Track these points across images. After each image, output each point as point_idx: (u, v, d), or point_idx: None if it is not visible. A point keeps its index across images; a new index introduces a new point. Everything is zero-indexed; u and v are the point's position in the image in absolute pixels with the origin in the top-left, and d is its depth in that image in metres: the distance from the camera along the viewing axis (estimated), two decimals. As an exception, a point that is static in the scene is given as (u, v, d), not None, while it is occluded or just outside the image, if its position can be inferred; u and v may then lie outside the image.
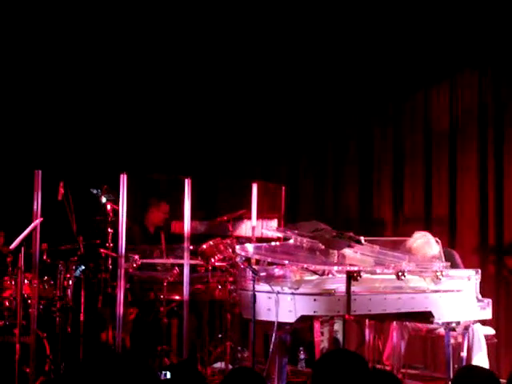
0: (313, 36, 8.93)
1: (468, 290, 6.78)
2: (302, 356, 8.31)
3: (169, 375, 4.06)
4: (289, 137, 9.34)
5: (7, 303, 7.14)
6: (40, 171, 6.55)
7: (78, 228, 7.35)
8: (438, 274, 6.65)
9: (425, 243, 7.32)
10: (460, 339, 6.98)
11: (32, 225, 6.42)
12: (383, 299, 6.47)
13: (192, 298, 7.42)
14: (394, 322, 7.28)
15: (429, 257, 7.19)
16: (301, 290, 6.27)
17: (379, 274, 6.62)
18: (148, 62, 9.24)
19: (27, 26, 8.61)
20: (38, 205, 6.53)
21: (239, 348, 7.94)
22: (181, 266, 7.43)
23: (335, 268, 6.78)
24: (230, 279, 7.59)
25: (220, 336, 8.02)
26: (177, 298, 7.66)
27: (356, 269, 6.36)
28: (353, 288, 6.29)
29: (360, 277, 6.32)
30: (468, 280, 6.82)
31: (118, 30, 8.97)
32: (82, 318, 7.36)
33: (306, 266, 6.75)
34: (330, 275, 6.92)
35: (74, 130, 8.98)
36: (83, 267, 7.50)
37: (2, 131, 8.57)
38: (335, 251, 6.86)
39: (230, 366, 7.59)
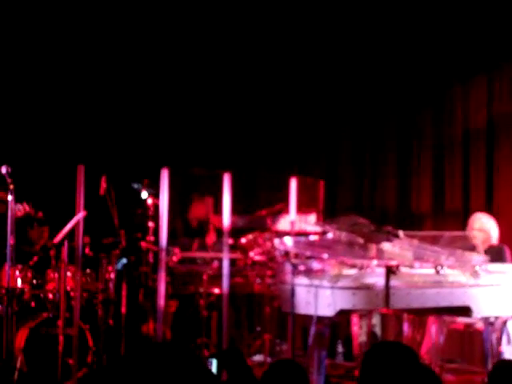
0: (355, 28, 8.96)
1: (507, 285, 6.77)
2: (340, 349, 8.34)
3: (215, 363, 4.09)
4: (327, 131, 9.36)
5: (51, 296, 7.26)
6: (83, 166, 6.63)
7: (119, 222, 7.45)
8: (477, 268, 6.65)
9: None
10: (497, 334, 6.96)
11: (75, 218, 6.52)
12: (422, 293, 6.48)
13: (231, 292, 7.48)
14: (433, 317, 7.28)
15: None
16: (340, 284, 6.30)
17: (418, 268, 6.63)
18: (189, 57, 9.29)
19: (58, 22, 8.71)
20: (80, 199, 6.62)
21: (277, 341, 7.98)
22: (220, 259, 7.50)
23: (374, 262, 6.80)
24: (269, 273, 7.63)
25: (258, 329, 8.08)
26: (216, 291, 7.73)
27: (395, 263, 6.39)
28: (391, 282, 6.31)
29: (399, 271, 6.34)
30: (507, 275, 6.81)
31: (152, 24, 9.05)
32: (123, 311, 7.47)
33: (344, 260, 6.80)
34: (369, 269, 6.94)
35: (117, 125, 9.07)
36: (125, 260, 7.60)
37: (47, 126, 8.69)
38: (374, 245, 6.88)
39: (269, 359, 7.64)
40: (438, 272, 6.41)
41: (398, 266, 6.32)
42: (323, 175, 8.88)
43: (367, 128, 9.24)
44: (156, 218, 7.36)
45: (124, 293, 7.47)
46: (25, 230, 6.60)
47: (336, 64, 9.19)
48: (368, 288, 6.34)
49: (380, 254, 6.85)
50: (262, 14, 9.08)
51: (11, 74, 8.54)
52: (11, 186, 5.53)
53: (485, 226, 7.59)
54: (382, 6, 8.81)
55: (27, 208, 6.24)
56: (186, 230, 8.39)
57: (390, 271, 6.30)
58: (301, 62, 9.23)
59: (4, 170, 5.64)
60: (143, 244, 7.62)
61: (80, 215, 6.55)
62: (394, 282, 6.33)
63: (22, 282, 7.23)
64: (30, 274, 7.28)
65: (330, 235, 6.88)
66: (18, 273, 7.15)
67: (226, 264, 7.28)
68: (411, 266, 6.67)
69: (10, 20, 8.47)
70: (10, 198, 5.53)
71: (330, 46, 9.14)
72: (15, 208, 5.93)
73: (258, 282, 7.78)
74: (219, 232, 7.82)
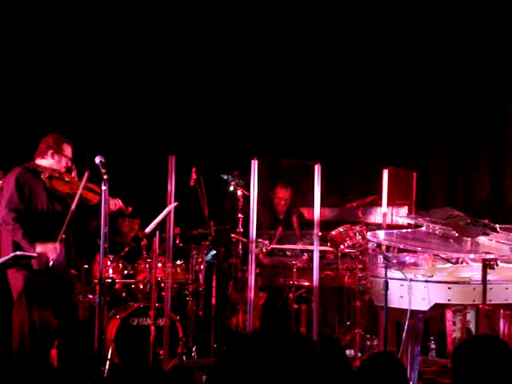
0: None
1: None
2: (433, 346, 8.15)
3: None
4: (419, 122, 9.16)
5: (141, 286, 7.30)
6: (174, 156, 6.62)
7: (209, 213, 7.43)
8: None
9: None
10: None
11: (167, 209, 6.51)
12: (520, 288, 6.27)
13: (321, 285, 7.38)
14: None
15: None
16: (435, 278, 6.15)
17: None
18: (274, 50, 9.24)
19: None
20: (171, 190, 6.61)
21: (368, 336, 7.84)
22: (310, 252, 7.41)
23: (470, 256, 6.62)
24: (360, 266, 7.51)
25: (348, 323, 7.95)
26: (306, 284, 7.65)
27: (492, 257, 6.19)
28: (488, 276, 6.13)
29: (496, 265, 6.15)
30: None
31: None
32: (213, 302, 7.46)
33: (439, 253, 6.63)
34: (464, 263, 6.76)
35: (208, 116, 9.07)
36: (214, 252, 7.59)
37: (139, 117, 8.75)
38: (469, 239, 6.70)
39: (359, 354, 7.52)
40: (537, 266, 6.19)
41: (495, 260, 6.12)
42: (414, 165, 8.69)
43: (460, 116, 9.00)
44: (245, 209, 7.31)
45: (214, 284, 7.47)
46: (116, 221, 6.62)
47: (427, 52, 8.99)
48: (464, 282, 6.15)
49: (476, 248, 6.67)
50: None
51: (104, 67, 8.61)
52: (105, 176, 5.54)
53: None
54: None
55: (120, 203, 6.26)
56: (271, 221, 8.33)
57: (488, 265, 6.10)
58: (393, 49, 9.06)
59: (98, 160, 5.65)
60: (232, 235, 7.57)
61: (171, 206, 6.54)
62: (490, 276, 6.13)
63: (114, 273, 7.29)
64: (121, 265, 7.34)
65: (423, 228, 6.73)
66: (109, 263, 7.21)
67: (316, 256, 7.18)
68: (509, 260, 6.46)
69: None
70: (103, 187, 5.54)
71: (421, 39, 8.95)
72: (109, 202, 5.96)
73: (348, 276, 7.66)
74: (309, 224, 7.73)
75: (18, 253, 5.77)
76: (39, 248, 5.91)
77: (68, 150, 6.25)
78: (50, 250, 5.93)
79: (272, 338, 2.14)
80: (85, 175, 5.96)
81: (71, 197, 6.06)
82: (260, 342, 2.14)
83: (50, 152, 6.20)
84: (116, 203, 6.24)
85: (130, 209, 6.41)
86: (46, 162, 6.21)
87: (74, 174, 6.26)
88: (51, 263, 5.91)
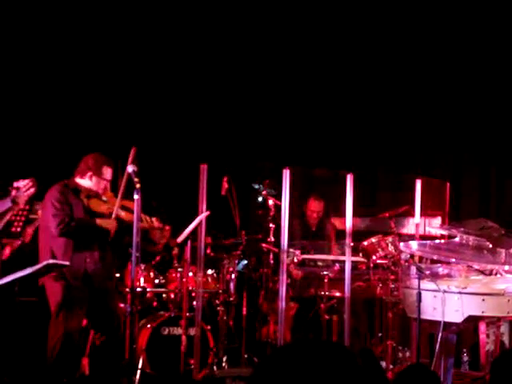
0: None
1: None
2: (466, 358, 8.04)
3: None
4: (452, 132, 9.09)
5: (172, 295, 7.28)
6: (206, 165, 6.61)
7: (240, 222, 7.41)
8: None
9: None
10: None
11: (198, 218, 6.50)
12: (556, 301, 6.17)
13: (352, 296, 7.32)
14: None
15: None
16: (469, 289, 6.08)
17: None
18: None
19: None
20: (203, 199, 6.60)
21: (400, 347, 7.76)
22: (342, 262, 7.35)
23: (505, 267, 6.53)
24: (392, 277, 7.44)
25: (380, 335, 7.88)
26: (337, 294, 7.59)
27: (527, 268, 6.12)
28: (523, 288, 6.06)
29: (531, 277, 6.08)
30: None
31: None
32: (244, 312, 7.43)
33: (472, 264, 6.56)
34: (498, 275, 6.68)
35: (240, 125, 9.07)
36: (246, 261, 7.56)
37: (171, 126, 8.77)
38: (503, 250, 6.62)
39: (391, 366, 7.44)
40: None
41: (530, 272, 6.04)
42: (447, 176, 8.61)
43: (493, 126, 8.91)
44: (277, 218, 7.27)
45: (245, 294, 7.43)
46: (147, 230, 6.61)
47: (462, 62, 8.93)
48: (498, 294, 6.07)
49: (510, 259, 6.59)
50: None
51: (137, 77, 8.66)
52: (138, 186, 5.54)
53: None
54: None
55: (156, 224, 6.26)
56: (303, 232, 8.29)
57: (523, 277, 6.03)
58: (427, 59, 9.01)
59: (130, 169, 5.65)
60: (264, 245, 7.54)
61: (203, 215, 6.53)
62: (525, 288, 6.05)
63: (145, 282, 7.28)
64: (152, 274, 7.33)
65: (457, 239, 6.65)
66: (140, 272, 7.20)
67: (348, 267, 7.13)
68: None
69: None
70: (136, 196, 5.54)
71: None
72: (144, 219, 6.01)
73: (380, 287, 7.59)
74: (340, 234, 7.68)
75: (50, 261, 5.79)
76: (102, 223, 6.09)
77: (107, 172, 6.26)
78: (110, 223, 6.08)
79: (312, 348, 2.11)
80: (120, 188, 6.01)
81: (108, 217, 6.11)
82: (301, 351, 2.10)
83: (88, 173, 6.23)
84: (151, 223, 6.22)
85: (168, 227, 6.39)
86: (84, 182, 6.25)
87: (109, 193, 6.31)
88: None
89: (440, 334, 6.03)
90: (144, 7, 8.58)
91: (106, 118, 8.41)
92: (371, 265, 7.54)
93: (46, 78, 8.24)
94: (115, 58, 8.53)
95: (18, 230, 6.26)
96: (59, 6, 8.17)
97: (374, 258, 7.50)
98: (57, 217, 6.04)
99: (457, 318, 6.03)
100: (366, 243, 7.51)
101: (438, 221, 7.87)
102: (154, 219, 6.23)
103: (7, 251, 6.46)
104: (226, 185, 7.16)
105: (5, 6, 7.99)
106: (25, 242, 6.52)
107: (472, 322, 6.37)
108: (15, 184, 5.70)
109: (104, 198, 6.22)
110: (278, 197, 7.13)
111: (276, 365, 2.10)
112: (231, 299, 7.40)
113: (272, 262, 7.53)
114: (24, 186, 5.67)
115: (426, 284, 6.19)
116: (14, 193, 5.65)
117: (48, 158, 7.76)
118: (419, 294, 6.08)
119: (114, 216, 6.06)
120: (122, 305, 6.98)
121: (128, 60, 8.61)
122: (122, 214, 6.15)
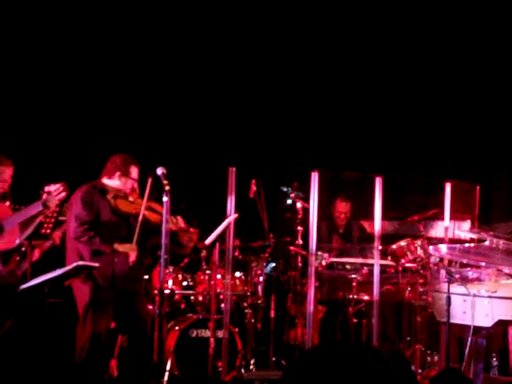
0: None
1: None
2: (495, 363, 7.96)
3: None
4: (483, 135, 9.03)
5: (200, 298, 7.29)
6: (234, 168, 6.62)
7: (268, 225, 7.40)
8: None
9: None
10: None
11: (227, 221, 6.50)
12: None
13: (381, 299, 7.28)
14: None
15: None
16: (499, 294, 6.02)
17: None
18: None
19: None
20: (232, 201, 6.61)
21: (429, 351, 7.71)
22: (370, 265, 7.32)
23: (536, 272, 6.46)
24: (421, 281, 7.40)
25: (409, 339, 7.83)
26: (366, 298, 7.56)
27: (558, 273, 6.05)
28: (553, 293, 5.99)
29: (562, 281, 6.01)
30: None
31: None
32: (272, 315, 7.42)
33: (502, 268, 6.50)
34: (529, 279, 6.61)
35: (268, 128, 9.07)
36: (274, 264, 7.55)
37: (200, 129, 8.80)
38: (534, 254, 6.55)
39: (420, 370, 7.39)
40: None
41: (561, 276, 5.97)
42: (477, 179, 8.54)
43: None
44: (305, 221, 7.26)
45: (273, 297, 7.43)
46: (176, 233, 6.62)
47: (490, 66, 8.87)
48: (529, 298, 6.00)
49: (540, 264, 6.52)
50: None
51: (165, 81, 8.71)
52: (167, 188, 5.55)
53: None
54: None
55: (182, 224, 6.26)
56: (331, 235, 8.26)
57: (553, 281, 5.96)
58: (457, 62, 8.97)
59: (160, 171, 5.67)
60: (292, 248, 7.53)
61: (231, 218, 6.53)
62: (557, 293, 5.98)
63: (173, 284, 7.30)
64: (180, 276, 7.35)
65: (486, 243, 6.60)
66: (169, 274, 7.22)
67: (376, 271, 7.10)
68: None
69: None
70: (165, 199, 5.55)
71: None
72: (171, 221, 6.00)
73: (409, 290, 7.55)
74: (369, 237, 7.64)
75: (80, 263, 5.82)
76: (119, 248, 6.02)
77: (134, 172, 6.28)
78: (131, 249, 6.04)
79: (343, 351, 2.09)
80: (147, 189, 6.01)
81: (135, 217, 6.12)
82: (332, 354, 2.09)
83: (117, 174, 6.25)
84: (177, 223, 6.22)
85: (192, 230, 6.39)
86: (112, 182, 6.26)
87: (136, 193, 6.31)
88: (131, 263, 6.03)
89: (470, 339, 5.98)
90: (162, 13, 8.64)
91: (134, 122, 8.46)
92: (400, 268, 7.49)
93: (74, 84, 8.32)
94: (144, 63, 8.59)
95: (48, 231, 6.29)
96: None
97: (402, 261, 7.45)
98: (77, 220, 6.06)
99: (487, 322, 5.97)
100: (394, 246, 7.45)
101: (467, 224, 7.80)
102: (178, 218, 6.23)
103: (37, 253, 6.51)
104: (254, 187, 7.16)
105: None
106: (55, 243, 6.56)
107: (502, 326, 6.31)
108: (46, 188, 5.74)
109: (130, 199, 6.24)
110: (306, 199, 7.12)
111: (307, 367, 2.09)
112: (259, 302, 7.40)
113: (300, 264, 7.52)
114: (55, 190, 5.71)
115: (456, 288, 6.14)
116: (44, 196, 5.69)
117: (78, 163, 7.81)
118: (449, 298, 6.03)
119: (140, 218, 6.06)
120: (150, 307, 7.00)
121: (157, 64, 8.66)
122: (147, 214, 6.16)
